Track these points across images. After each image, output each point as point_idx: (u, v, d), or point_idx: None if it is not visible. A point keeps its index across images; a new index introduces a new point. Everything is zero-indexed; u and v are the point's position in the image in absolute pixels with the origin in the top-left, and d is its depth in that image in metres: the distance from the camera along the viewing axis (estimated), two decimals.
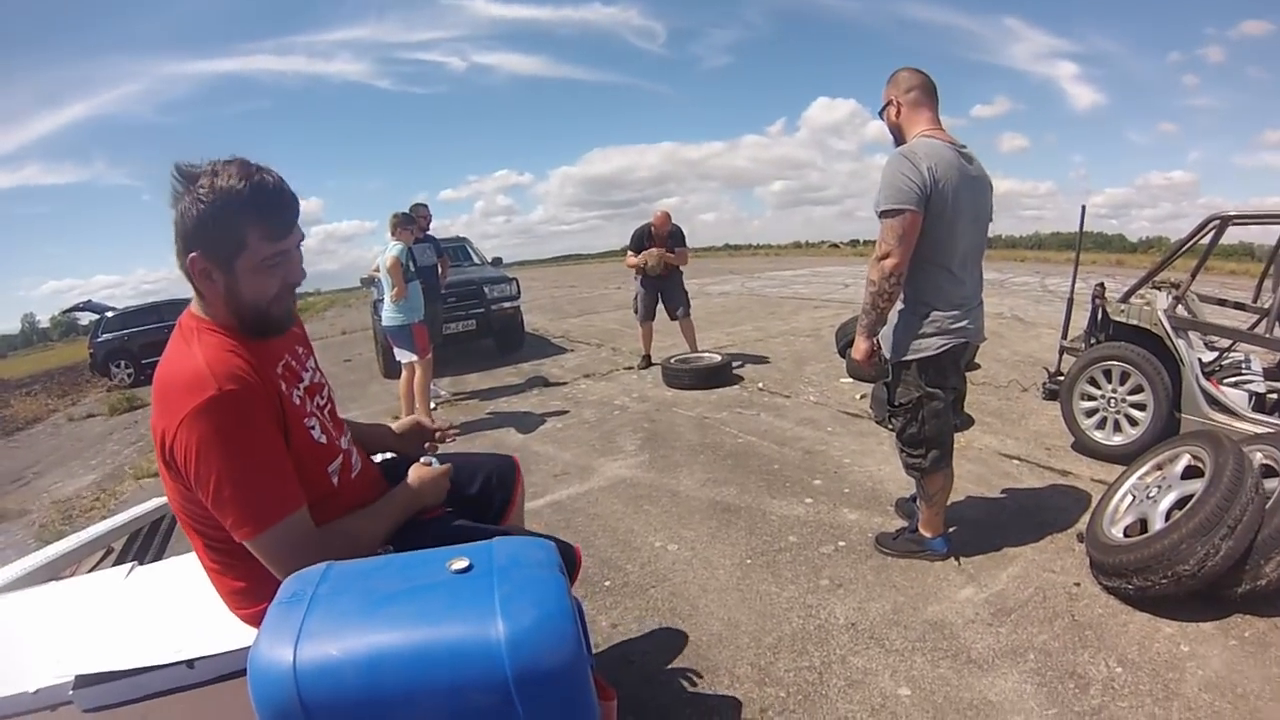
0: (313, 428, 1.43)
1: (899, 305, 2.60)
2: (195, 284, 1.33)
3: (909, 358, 2.60)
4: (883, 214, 2.45)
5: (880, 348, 2.69)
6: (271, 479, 1.24)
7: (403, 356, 5.61)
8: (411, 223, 5.86)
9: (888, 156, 2.52)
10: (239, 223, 1.26)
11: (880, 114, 2.70)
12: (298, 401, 1.42)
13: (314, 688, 0.77)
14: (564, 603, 0.84)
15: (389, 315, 5.55)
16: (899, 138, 2.63)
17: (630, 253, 6.88)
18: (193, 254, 1.28)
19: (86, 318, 15.24)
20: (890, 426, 2.79)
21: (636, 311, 7.12)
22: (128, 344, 13.24)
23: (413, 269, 5.62)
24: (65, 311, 16.88)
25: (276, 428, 1.30)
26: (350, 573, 0.94)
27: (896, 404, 2.70)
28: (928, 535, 2.86)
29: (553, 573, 0.89)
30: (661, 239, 6.84)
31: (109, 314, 13.73)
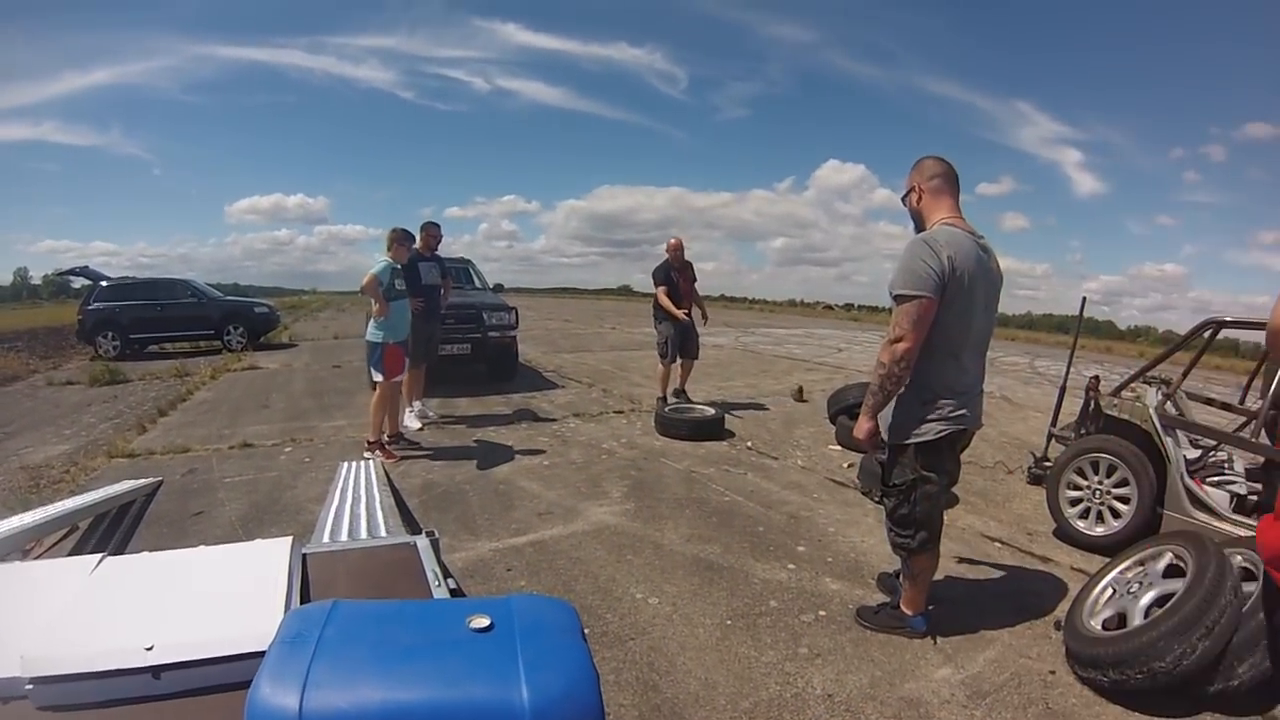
0: None
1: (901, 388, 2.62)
2: None
3: (907, 441, 2.63)
4: (899, 298, 2.47)
5: (879, 428, 2.71)
6: None
7: (373, 374, 5.57)
8: (410, 240, 5.89)
9: (909, 241, 2.56)
10: None
11: (904, 199, 2.75)
12: None
13: None
14: (588, 672, 0.81)
15: (369, 331, 5.55)
16: (919, 223, 2.68)
17: (662, 289, 7.09)
18: None
19: (80, 282, 14.97)
20: (883, 504, 2.82)
21: (665, 355, 7.22)
22: (119, 316, 13.12)
23: (396, 288, 5.58)
24: (60, 273, 16.50)
25: None
26: (359, 617, 0.90)
27: (891, 484, 2.73)
28: (909, 613, 2.87)
29: (576, 639, 0.86)
30: (682, 268, 7.15)
31: (104, 283, 13.53)
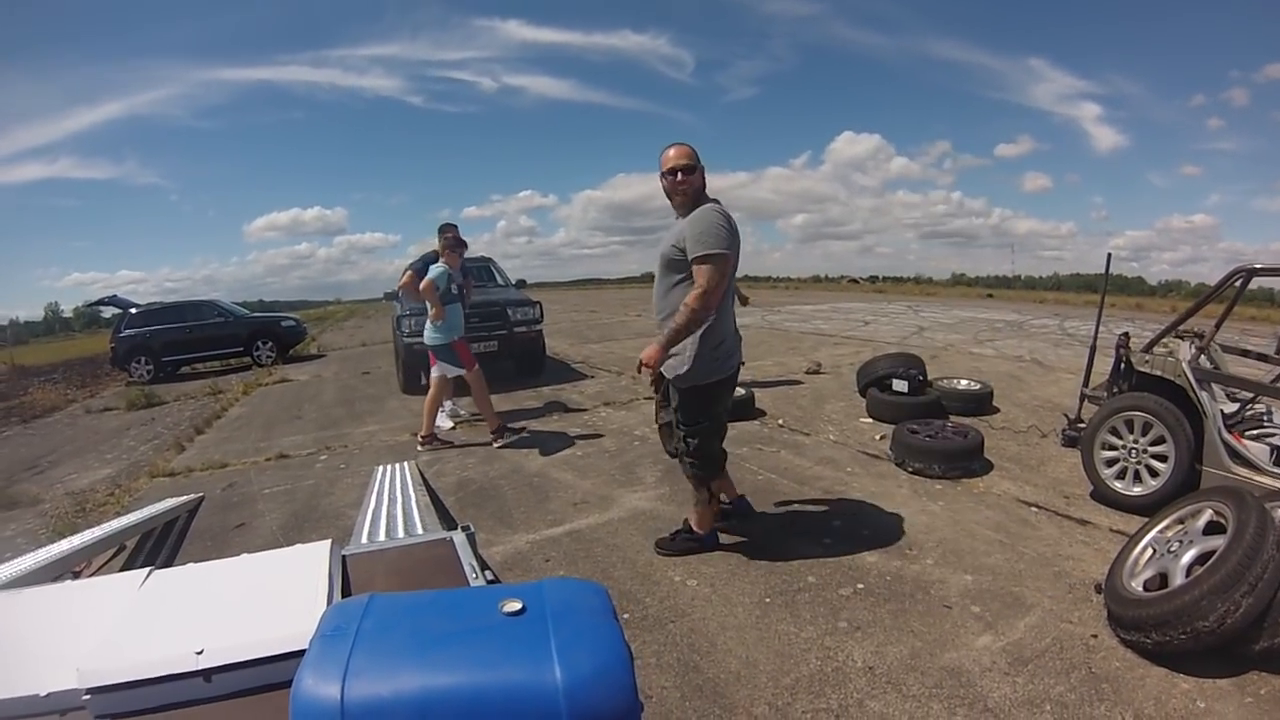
0: None
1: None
2: None
3: (708, 381, 3.16)
4: (707, 257, 2.93)
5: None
6: None
7: (448, 371, 5.90)
8: (462, 246, 6.17)
9: (701, 209, 3.06)
10: None
11: (687, 177, 3.15)
12: None
13: None
14: (621, 652, 0.82)
15: (431, 336, 5.80)
16: (694, 198, 3.15)
17: None
18: None
19: (110, 312, 15.39)
20: (684, 444, 3.28)
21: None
22: (149, 341, 13.48)
23: (453, 292, 5.87)
24: (90, 304, 16.86)
25: None
26: (395, 608, 0.92)
27: (695, 424, 3.23)
28: (701, 532, 3.46)
29: (608, 620, 0.87)
30: None
31: (133, 310, 13.89)
